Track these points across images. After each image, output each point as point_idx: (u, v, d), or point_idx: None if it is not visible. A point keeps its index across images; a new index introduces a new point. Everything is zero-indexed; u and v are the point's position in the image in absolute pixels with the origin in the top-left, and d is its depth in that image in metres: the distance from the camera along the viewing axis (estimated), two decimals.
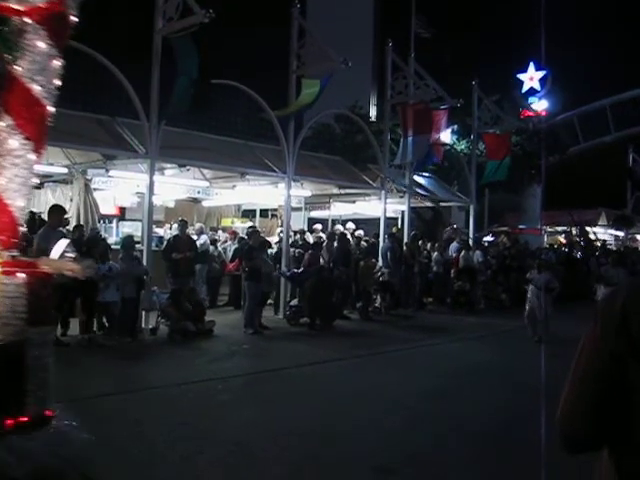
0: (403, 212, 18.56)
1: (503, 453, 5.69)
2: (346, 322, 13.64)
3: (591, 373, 1.54)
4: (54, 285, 4.28)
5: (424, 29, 17.72)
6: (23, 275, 3.76)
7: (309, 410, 6.95)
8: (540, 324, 11.44)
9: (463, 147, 24.56)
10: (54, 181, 14.92)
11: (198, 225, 16.21)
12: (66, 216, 11.06)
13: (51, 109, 4.05)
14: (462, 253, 17.06)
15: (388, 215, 17.54)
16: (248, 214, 20.76)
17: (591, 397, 1.53)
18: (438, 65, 19.64)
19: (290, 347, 11.05)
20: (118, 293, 10.48)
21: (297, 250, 14.40)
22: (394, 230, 17.34)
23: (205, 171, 15.75)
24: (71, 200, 13.65)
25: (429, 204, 21.80)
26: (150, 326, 11.30)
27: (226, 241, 16.30)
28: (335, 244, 14.84)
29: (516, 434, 6.11)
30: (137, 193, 14.76)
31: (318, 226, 18.40)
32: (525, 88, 31.78)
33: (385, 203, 16.97)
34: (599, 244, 27.97)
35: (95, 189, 13.78)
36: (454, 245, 17.97)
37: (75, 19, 4.02)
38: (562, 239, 31.65)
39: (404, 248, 16.28)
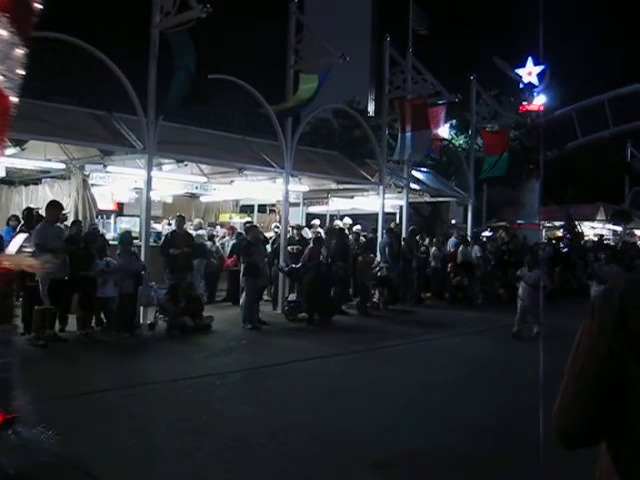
0: (401, 207, 18.55)
1: (502, 448, 5.70)
2: (344, 317, 13.64)
3: (588, 368, 1.53)
4: (12, 281, 4.11)
5: (421, 25, 17.62)
6: None
7: (307, 405, 6.95)
8: (531, 321, 11.38)
9: (462, 142, 24.56)
10: (52, 177, 14.91)
11: (197, 221, 16.22)
12: (64, 212, 11.05)
13: (14, 100, 3.86)
14: (460, 248, 17.07)
15: (386, 210, 17.54)
16: (246, 209, 20.75)
17: (588, 392, 1.53)
18: (436, 60, 19.60)
19: (288, 342, 11.06)
20: (116, 289, 10.47)
21: (295, 247, 14.36)
22: (392, 225, 17.34)
23: (203, 166, 15.73)
24: (69, 196, 13.63)
25: (427, 199, 21.79)
26: (148, 322, 11.30)
27: (224, 236, 16.29)
28: (333, 239, 14.83)
29: (515, 428, 6.12)
30: (135, 189, 14.75)
31: (316, 221, 18.40)
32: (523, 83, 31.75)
33: (383, 198, 16.96)
34: (587, 237, 27.98)
35: (93, 185, 13.75)
36: (452, 240, 17.99)
37: (39, 6, 3.85)
38: (560, 234, 31.69)
39: (402, 243, 16.28)
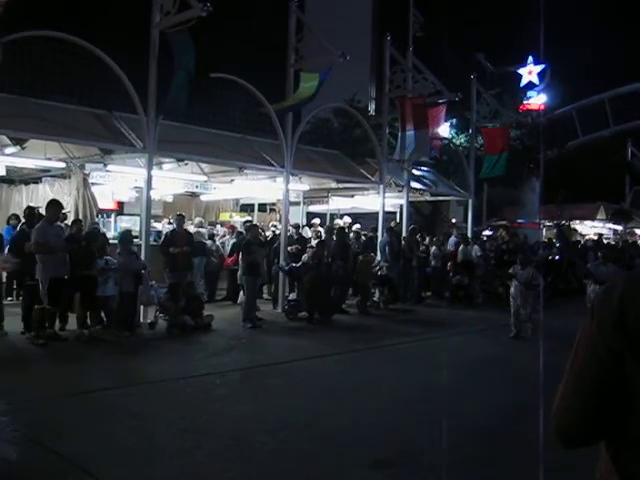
0: (401, 206, 18.56)
1: (502, 447, 5.71)
2: (344, 316, 13.64)
3: (588, 368, 1.53)
4: None
5: (418, 29, 17.63)
6: None
7: (307, 404, 6.95)
8: (524, 320, 11.32)
9: (462, 141, 24.54)
10: (52, 176, 14.93)
11: (197, 220, 16.22)
12: (64, 211, 11.05)
13: None
14: (460, 247, 17.07)
15: (386, 209, 17.54)
16: (246, 208, 20.77)
17: (587, 392, 1.53)
18: (437, 59, 19.59)
19: (288, 341, 11.06)
20: (116, 288, 10.47)
21: (294, 247, 14.36)
22: (392, 224, 17.34)
23: (203, 165, 15.73)
24: (69, 195, 13.64)
25: (428, 198, 21.79)
26: (148, 320, 11.30)
27: (224, 235, 16.30)
28: (332, 239, 14.84)
29: (515, 428, 6.12)
30: (135, 187, 14.75)
31: (317, 220, 18.41)
32: (524, 82, 31.76)
33: (383, 197, 16.95)
34: (587, 236, 27.88)
35: (93, 184, 13.76)
36: (452, 239, 17.99)
37: None
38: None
39: (402, 242, 16.28)
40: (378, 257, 15.59)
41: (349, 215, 20.64)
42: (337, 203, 20.27)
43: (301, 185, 17.23)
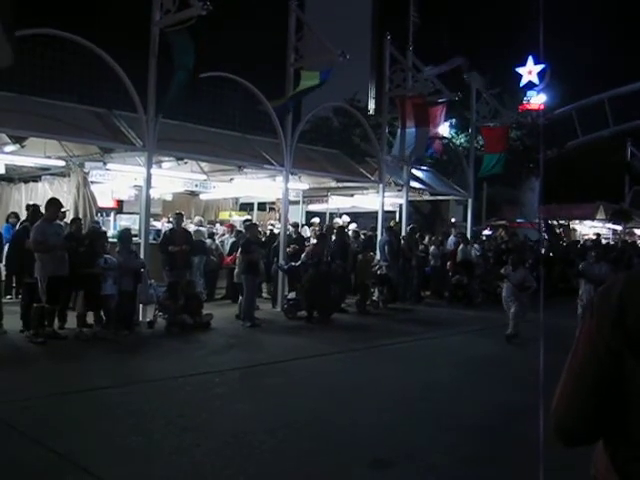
0: (401, 205, 18.56)
1: (501, 447, 5.71)
2: (344, 315, 13.65)
3: (587, 367, 1.53)
4: None
5: (415, 15, 17.67)
6: None
7: (307, 403, 6.95)
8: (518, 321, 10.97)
9: (462, 141, 24.54)
10: (51, 174, 14.91)
11: (197, 219, 16.21)
12: (63, 209, 11.04)
13: None
14: (460, 247, 17.07)
15: (386, 208, 17.55)
16: (246, 207, 20.77)
17: (587, 391, 1.53)
18: (436, 58, 19.56)
19: (287, 340, 11.06)
20: (115, 286, 10.46)
21: (293, 246, 14.35)
22: (392, 223, 17.34)
23: (203, 164, 15.72)
24: (69, 193, 13.63)
25: (427, 198, 21.79)
26: (147, 319, 11.30)
27: (224, 234, 16.30)
28: (333, 237, 14.84)
29: (514, 427, 6.12)
30: (135, 186, 14.75)
31: (316, 219, 18.40)
32: (524, 82, 31.73)
33: (383, 196, 16.95)
34: (586, 236, 27.83)
35: (93, 182, 13.74)
36: (452, 239, 17.99)
37: None
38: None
39: (402, 242, 16.28)
40: (377, 256, 15.59)
41: (348, 214, 20.64)
42: (336, 202, 20.26)
43: (300, 184, 17.23)
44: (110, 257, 10.57)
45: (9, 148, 12.80)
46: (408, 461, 5.32)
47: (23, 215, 12.80)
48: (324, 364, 9.21)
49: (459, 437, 5.92)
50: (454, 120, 24.89)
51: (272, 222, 18.18)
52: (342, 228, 16.05)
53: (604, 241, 27.03)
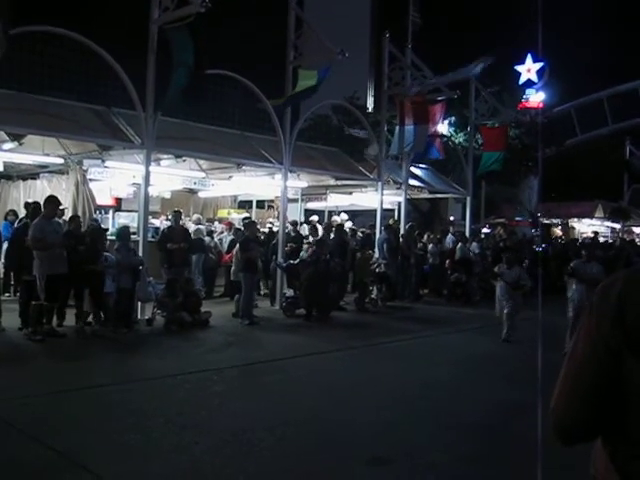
0: (400, 203, 18.55)
1: (500, 445, 5.72)
2: (342, 313, 13.65)
3: (586, 366, 1.53)
4: None
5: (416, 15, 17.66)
6: None
7: (305, 401, 6.96)
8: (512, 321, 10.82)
9: (461, 139, 24.53)
10: (50, 172, 14.89)
11: (195, 216, 16.20)
12: (62, 207, 11.02)
13: None
14: (458, 245, 17.07)
15: (385, 206, 17.54)
16: (244, 205, 20.75)
17: (586, 389, 1.53)
18: (436, 57, 19.59)
19: (286, 338, 11.06)
20: (114, 284, 10.46)
21: (291, 244, 14.33)
22: (390, 222, 17.33)
23: (201, 162, 15.71)
24: (67, 191, 13.61)
25: (426, 196, 21.78)
26: (146, 317, 11.30)
27: (222, 232, 16.29)
28: (332, 235, 14.83)
29: (513, 426, 6.13)
30: (133, 184, 14.73)
31: (315, 217, 18.39)
32: (522, 80, 31.73)
33: (382, 194, 16.95)
34: (585, 235, 27.80)
35: (91, 180, 13.73)
36: (450, 237, 17.99)
37: None
38: (559, 231, 31.71)
39: (400, 240, 16.28)
40: (376, 254, 15.59)
41: (347, 212, 20.63)
42: (335, 200, 20.25)
43: (299, 182, 17.21)
44: (109, 254, 10.57)
45: (7, 145, 12.78)
46: (407, 459, 5.32)
47: (21, 213, 12.77)
48: (323, 362, 9.22)
49: (458, 435, 5.92)
50: (453, 118, 24.87)
51: (271, 220, 18.16)
52: (341, 226, 16.04)
53: (602, 239, 27.03)
